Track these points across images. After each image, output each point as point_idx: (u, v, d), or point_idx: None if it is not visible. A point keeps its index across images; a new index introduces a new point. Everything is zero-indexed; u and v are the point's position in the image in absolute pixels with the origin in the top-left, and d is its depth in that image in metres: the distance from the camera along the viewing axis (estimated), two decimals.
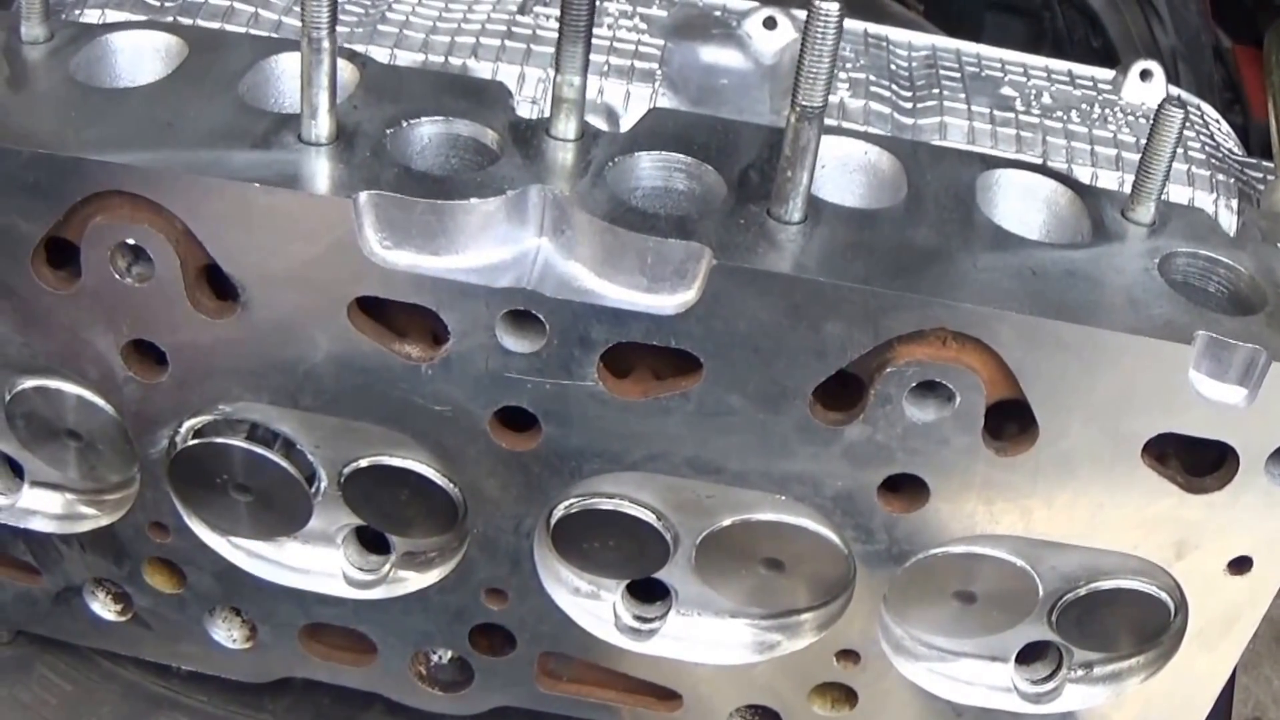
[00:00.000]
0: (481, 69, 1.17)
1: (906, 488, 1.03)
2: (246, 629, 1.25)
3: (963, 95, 1.24)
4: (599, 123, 1.17)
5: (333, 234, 0.94)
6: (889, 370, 0.95)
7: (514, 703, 1.26)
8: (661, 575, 1.15)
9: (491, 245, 0.96)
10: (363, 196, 0.93)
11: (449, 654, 1.25)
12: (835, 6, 0.90)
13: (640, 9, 1.28)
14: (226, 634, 1.25)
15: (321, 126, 0.97)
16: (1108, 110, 1.25)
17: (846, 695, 1.20)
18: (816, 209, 0.99)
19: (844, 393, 0.99)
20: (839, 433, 1.00)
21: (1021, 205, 1.08)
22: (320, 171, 0.96)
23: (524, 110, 1.15)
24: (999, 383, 0.96)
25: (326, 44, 0.94)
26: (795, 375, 0.97)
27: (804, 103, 0.93)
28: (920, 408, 0.98)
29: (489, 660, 1.22)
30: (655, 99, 1.18)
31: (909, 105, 1.22)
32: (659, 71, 1.20)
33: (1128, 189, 1.13)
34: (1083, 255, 1.00)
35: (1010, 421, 1.00)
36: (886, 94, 1.22)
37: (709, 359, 0.97)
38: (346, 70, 1.06)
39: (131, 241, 0.97)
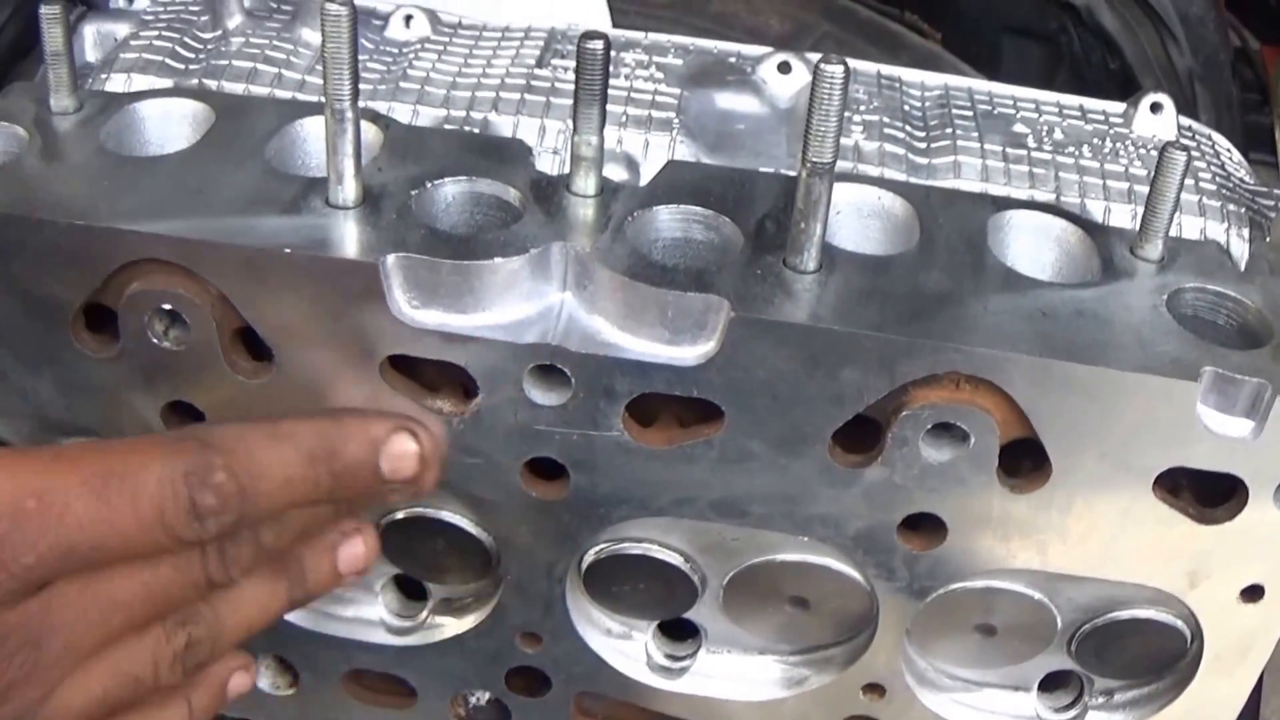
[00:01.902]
0: (503, 123, 1.22)
1: (925, 526, 1.07)
2: (290, 676, 1.30)
3: (975, 134, 1.27)
4: (619, 171, 1.21)
5: (362, 295, 0.98)
6: (905, 414, 0.99)
7: None
8: (691, 615, 1.19)
9: (517, 302, 1.00)
10: (390, 259, 0.97)
11: (487, 696, 1.29)
12: (840, 69, 0.94)
13: (656, 59, 1.32)
14: (270, 682, 1.29)
15: (348, 191, 1.01)
16: (1119, 144, 1.29)
17: None
18: (831, 257, 1.02)
19: (862, 436, 1.03)
20: (858, 474, 1.03)
21: (1033, 245, 1.11)
22: (348, 235, 1.00)
23: (546, 161, 1.20)
24: (1012, 423, 0.99)
25: (350, 114, 0.98)
26: (814, 421, 1.01)
27: (814, 159, 0.97)
28: (936, 448, 1.01)
29: (526, 701, 1.26)
30: (673, 147, 1.22)
31: (923, 145, 1.26)
32: (676, 120, 1.23)
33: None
34: (1092, 294, 1.03)
35: (1024, 459, 1.03)
36: (900, 135, 1.26)
37: (730, 407, 1.01)
38: (370, 132, 1.10)
39: (168, 307, 1.01)
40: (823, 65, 0.94)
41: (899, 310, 0.99)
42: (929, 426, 1.00)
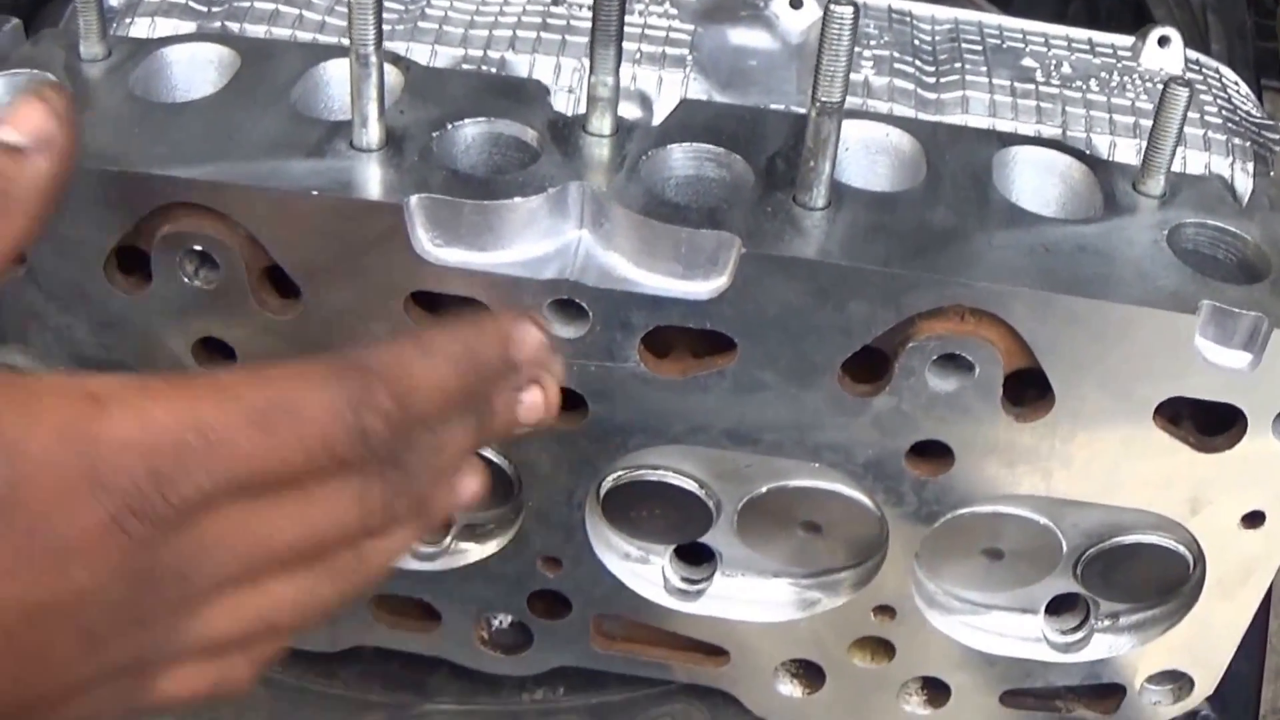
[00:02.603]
0: (519, 62, 1.24)
1: (933, 453, 1.10)
2: None
3: (984, 68, 1.29)
4: (634, 109, 1.23)
5: (387, 235, 1.01)
6: (911, 345, 1.02)
7: (571, 662, 1.33)
8: (706, 539, 1.23)
9: (535, 240, 1.03)
10: (413, 200, 1.00)
11: (509, 619, 1.33)
12: (849, 9, 0.96)
13: None
14: None
15: (372, 134, 1.04)
16: (1126, 78, 1.31)
17: (885, 648, 1.27)
18: (839, 194, 1.05)
19: (870, 366, 1.06)
20: (867, 403, 1.07)
21: (1038, 180, 1.14)
22: (372, 177, 1.03)
23: (562, 99, 1.22)
24: (1015, 354, 1.02)
25: (374, 59, 1.01)
26: (823, 352, 1.04)
27: (823, 98, 0.99)
28: (942, 378, 1.04)
29: (547, 624, 1.30)
30: (687, 84, 1.24)
31: (932, 80, 1.28)
32: (689, 57, 1.25)
33: None
34: (1093, 230, 1.06)
35: (1028, 388, 1.06)
36: (910, 70, 1.28)
37: (742, 339, 1.04)
38: (392, 74, 1.12)
39: (198, 248, 1.04)
40: (833, 6, 0.96)
41: (905, 245, 1.01)
42: (935, 357, 1.03)
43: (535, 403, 0.95)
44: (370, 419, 0.79)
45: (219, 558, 0.77)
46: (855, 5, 0.96)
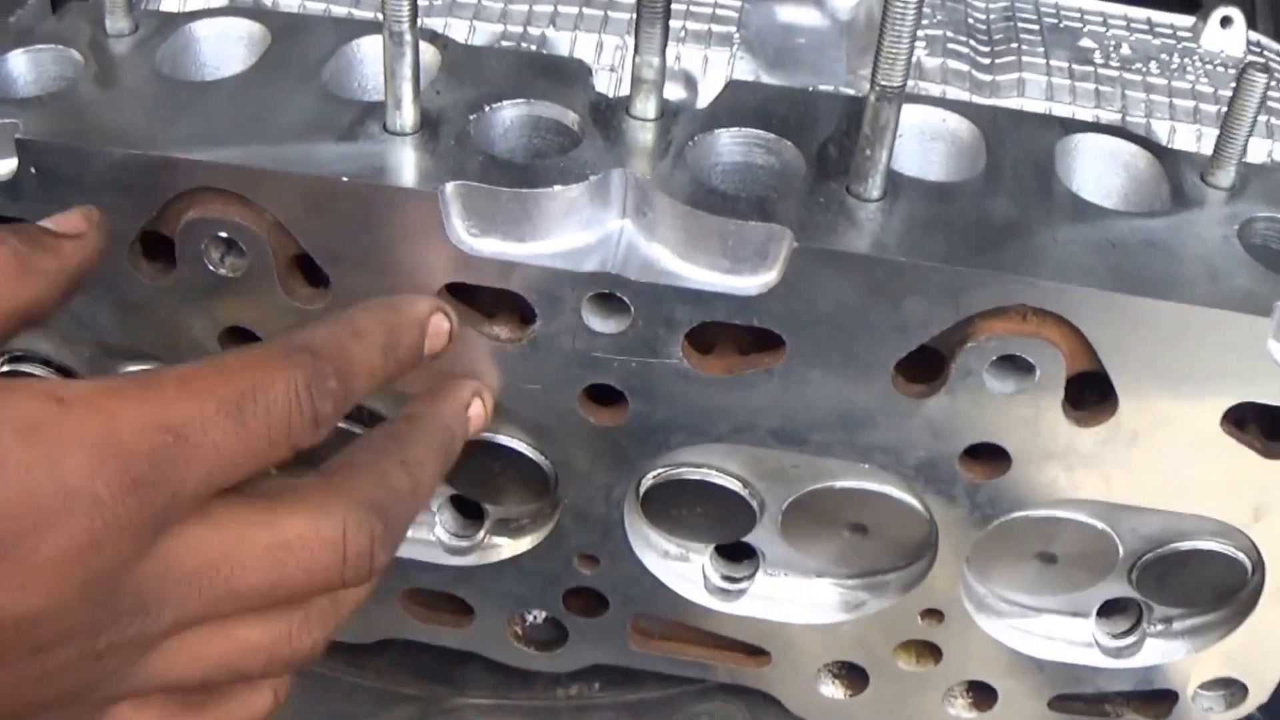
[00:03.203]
0: (560, 39, 1.19)
1: (988, 455, 1.05)
2: None
3: (1041, 49, 1.24)
4: (678, 89, 1.18)
5: (420, 224, 0.97)
6: (970, 345, 0.97)
7: (608, 660, 1.29)
8: (749, 538, 1.18)
9: (576, 229, 0.98)
10: (449, 187, 0.95)
11: (543, 615, 1.28)
12: None
13: None
14: None
15: (406, 117, 0.99)
16: (1186, 60, 1.25)
17: (931, 651, 1.23)
18: (895, 184, 1.00)
19: (925, 364, 1.01)
20: (921, 404, 1.01)
21: (1101, 170, 1.08)
22: (406, 162, 0.98)
23: (603, 78, 1.17)
24: (1079, 355, 0.97)
25: (409, 37, 0.96)
26: (877, 351, 0.99)
27: (883, 82, 0.94)
28: (1001, 380, 0.99)
29: (583, 621, 1.26)
30: (733, 63, 1.19)
31: (987, 61, 1.23)
32: (736, 35, 1.21)
33: (1205, 141, 1.13)
34: (1161, 224, 1.00)
35: (1090, 389, 1.01)
36: (964, 50, 1.23)
37: (791, 336, 0.99)
38: (428, 53, 1.08)
39: (224, 234, 1.00)
40: None
41: (965, 240, 0.96)
42: (994, 358, 0.98)
43: (479, 414, 1.03)
44: (323, 402, 0.79)
45: (183, 592, 0.75)
46: None
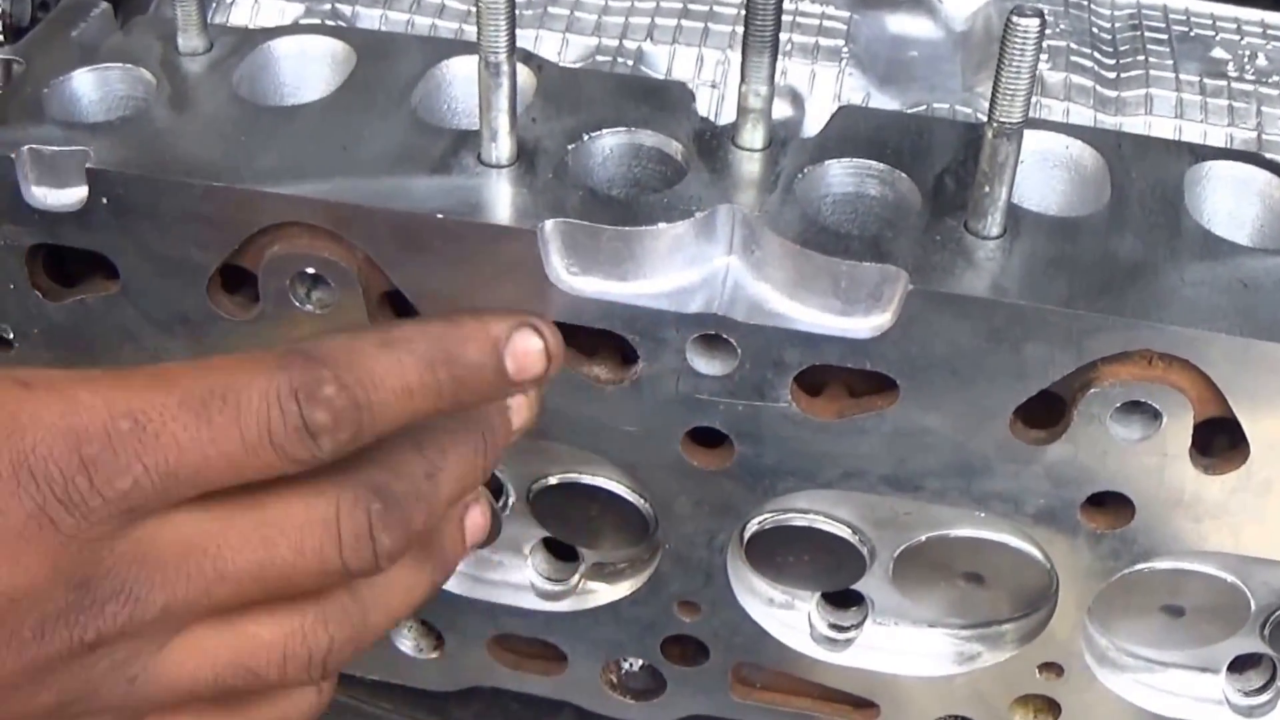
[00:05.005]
0: (658, 53, 1.25)
1: (1111, 504, 1.10)
2: (434, 639, 1.37)
3: (1170, 61, 1.28)
4: (783, 106, 1.24)
5: (518, 262, 1.02)
6: (1093, 390, 1.02)
7: (707, 711, 1.35)
8: (858, 586, 1.24)
9: (680, 268, 1.04)
10: (548, 225, 1.01)
11: (640, 663, 1.35)
12: (1035, 22, 0.95)
13: None
14: (414, 644, 1.37)
15: (502, 148, 1.05)
16: None
17: (1049, 706, 1.28)
18: (1016, 219, 1.05)
19: (1045, 409, 1.06)
20: (1040, 451, 1.07)
21: (1233, 200, 1.13)
22: (503, 197, 1.04)
23: (704, 95, 1.23)
24: (1208, 401, 1.02)
25: (506, 66, 1.02)
26: (995, 396, 1.04)
27: (1002, 119, 0.99)
28: (1125, 426, 1.04)
29: (682, 670, 1.31)
30: (841, 79, 1.24)
31: (1112, 75, 1.28)
32: (845, 49, 1.26)
33: None
34: None
35: (1219, 435, 1.05)
36: (1088, 64, 1.28)
37: (905, 380, 1.04)
38: (522, 75, 1.13)
39: (311, 270, 1.06)
40: (1015, 17, 0.95)
41: (1089, 281, 1.01)
42: (1118, 404, 1.02)
43: (520, 404, 0.96)
44: (313, 411, 0.78)
45: (168, 575, 0.78)
46: (1040, 15, 0.96)
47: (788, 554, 1.20)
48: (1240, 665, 1.27)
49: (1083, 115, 1.24)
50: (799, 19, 1.28)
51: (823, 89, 1.24)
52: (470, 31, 1.29)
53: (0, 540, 0.72)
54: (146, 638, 0.79)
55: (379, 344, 0.83)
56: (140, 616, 0.78)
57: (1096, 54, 1.29)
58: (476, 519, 0.97)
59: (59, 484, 0.73)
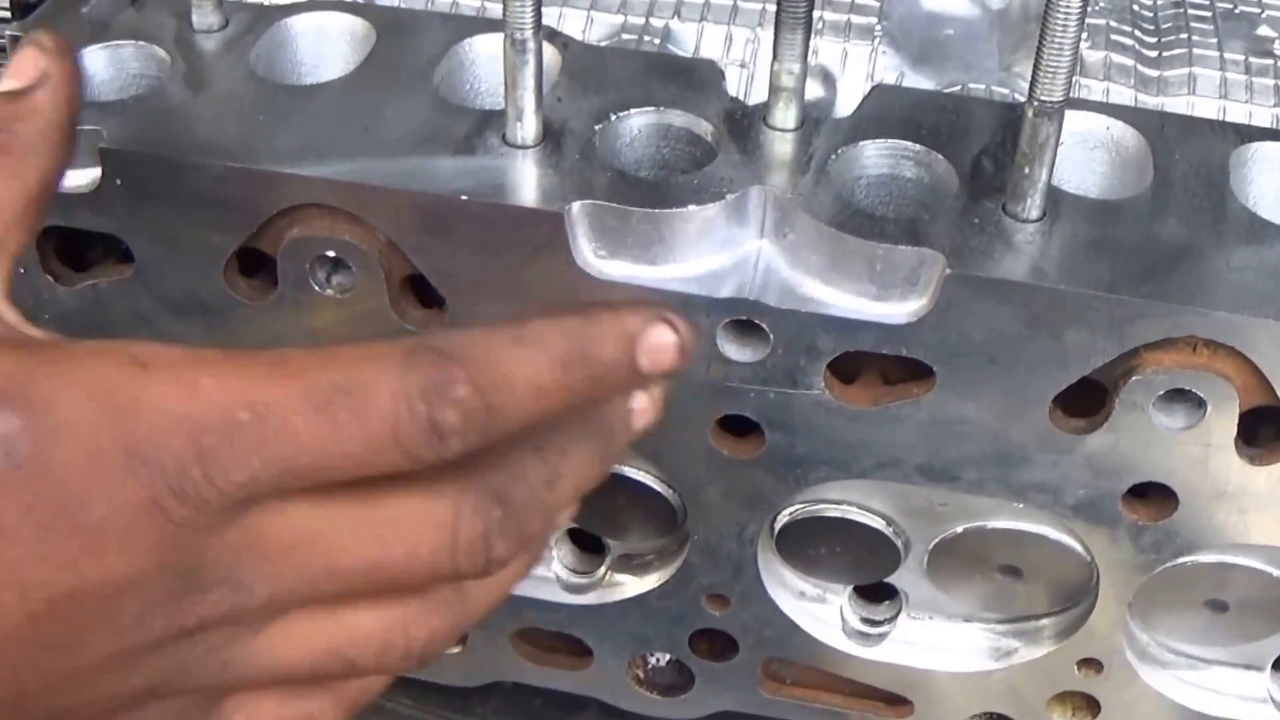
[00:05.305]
0: (685, 30, 1.24)
1: (1153, 495, 1.09)
2: None
3: (1214, 39, 1.27)
4: (814, 86, 1.23)
5: (545, 245, 1.02)
6: (1135, 378, 1.01)
7: (736, 707, 1.35)
8: (891, 579, 1.23)
9: (711, 251, 1.03)
10: (575, 207, 1.01)
11: (668, 657, 1.34)
12: None
13: None
14: None
15: (528, 128, 1.05)
16: None
17: (1088, 704, 1.27)
18: (1055, 202, 1.04)
19: (1085, 398, 1.06)
20: (1081, 440, 1.06)
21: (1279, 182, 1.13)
22: (528, 179, 1.04)
23: (733, 75, 1.23)
24: (1254, 389, 1.01)
25: (532, 44, 1.02)
26: (1034, 384, 1.04)
27: (1043, 98, 0.99)
28: (1168, 415, 1.04)
29: (710, 665, 1.31)
30: (875, 58, 1.24)
31: (1153, 54, 1.27)
32: (878, 27, 1.26)
33: None
34: None
35: (1266, 425, 1.05)
36: (1129, 42, 1.27)
37: (942, 367, 1.04)
38: (547, 53, 1.12)
39: (331, 253, 1.06)
40: None
41: (1131, 266, 1.01)
42: (1161, 392, 1.02)
43: (644, 408, 0.91)
44: (443, 411, 0.76)
45: (276, 567, 0.77)
46: None
47: (820, 546, 1.20)
48: None
49: (1123, 95, 1.23)
50: None
51: (855, 68, 1.24)
52: (492, 9, 1.29)
53: (108, 528, 0.71)
54: (246, 625, 0.79)
55: (514, 341, 0.80)
56: (243, 605, 0.77)
57: (1137, 32, 1.29)
58: (570, 510, 0.95)
59: (173, 474, 0.71)
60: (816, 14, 1.24)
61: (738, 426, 1.11)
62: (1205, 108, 1.22)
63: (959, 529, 1.17)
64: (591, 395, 0.83)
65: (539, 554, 0.93)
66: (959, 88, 1.26)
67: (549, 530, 0.91)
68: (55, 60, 0.87)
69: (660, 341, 0.83)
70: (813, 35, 1.18)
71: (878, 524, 1.18)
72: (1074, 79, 1.19)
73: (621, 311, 0.83)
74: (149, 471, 0.71)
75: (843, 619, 1.28)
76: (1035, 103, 0.99)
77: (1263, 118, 1.22)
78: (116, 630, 0.74)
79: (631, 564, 1.29)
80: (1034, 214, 1.03)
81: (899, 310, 1.02)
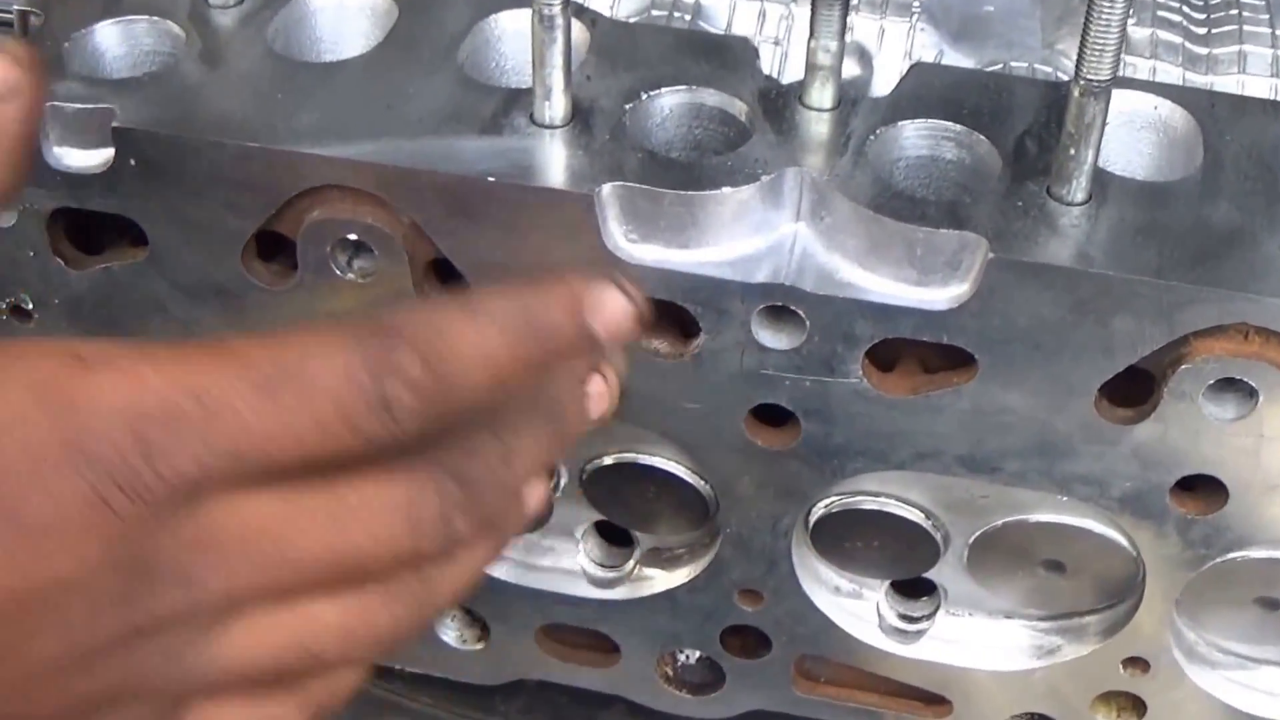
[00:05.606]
0: (717, 6, 1.24)
1: (1203, 488, 1.08)
2: (478, 629, 1.36)
3: (1265, 16, 1.26)
4: (850, 65, 1.22)
5: (574, 228, 1.01)
6: (1184, 367, 1.00)
7: (768, 706, 1.34)
8: (930, 574, 1.22)
9: (745, 235, 1.02)
10: (606, 189, 1.00)
11: (697, 654, 1.33)
12: None
13: None
14: (457, 635, 1.35)
15: (556, 107, 1.04)
16: None
17: (1134, 704, 1.26)
18: (1102, 184, 1.03)
19: (1132, 387, 1.04)
20: (1128, 431, 1.05)
21: None
22: (557, 159, 1.03)
23: (766, 52, 1.22)
24: None
25: (560, 20, 1.01)
26: (1079, 372, 1.03)
27: (1090, 76, 0.97)
28: (1219, 405, 1.03)
29: (742, 663, 1.30)
30: (913, 35, 1.23)
31: (1202, 31, 1.26)
32: (916, 3, 1.25)
33: None
34: None
35: None
36: (1176, 19, 1.26)
37: (984, 355, 1.03)
38: (576, 30, 1.11)
39: (353, 236, 1.05)
40: None
41: (1181, 250, 0.99)
42: (1211, 382, 1.01)
43: (601, 392, 0.93)
44: (394, 387, 0.76)
45: (230, 559, 0.77)
46: None
47: (856, 539, 1.19)
48: None
49: (1170, 74, 1.22)
50: None
51: (892, 46, 1.23)
52: None
53: (51, 525, 0.70)
54: (202, 622, 0.78)
55: (460, 312, 0.81)
56: (198, 601, 0.76)
57: (1185, 8, 1.28)
58: (538, 493, 0.94)
59: (115, 465, 0.71)
60: None
61: (772, 416, 1.10)
62: (1257, 86, 1.22)
63: (1000, 522, 1.16)
64: (544, 363, 0.84)
65: (505, 539, 0.92)
66: (1000, 66, 1.25)
67: (511, 512, 0.90)
68: (26, 74, 0.87)
69: (612, 305, 0.84)
70: (849, 11, 1.18)
71: (916, 517, 1.17)
72: (1121, 57, 1.19)
73: (570, 278, 0.84)
74: (89, 464, 0.71)
75: (879, 615, 1.27)
76: (1081, 81, 0.98)
77: None
78: (65, 632, 0.73)
79: (661, 558, 1.28)
80: (1079, 197, 1.02)
81: (940, 296, 1.00)
